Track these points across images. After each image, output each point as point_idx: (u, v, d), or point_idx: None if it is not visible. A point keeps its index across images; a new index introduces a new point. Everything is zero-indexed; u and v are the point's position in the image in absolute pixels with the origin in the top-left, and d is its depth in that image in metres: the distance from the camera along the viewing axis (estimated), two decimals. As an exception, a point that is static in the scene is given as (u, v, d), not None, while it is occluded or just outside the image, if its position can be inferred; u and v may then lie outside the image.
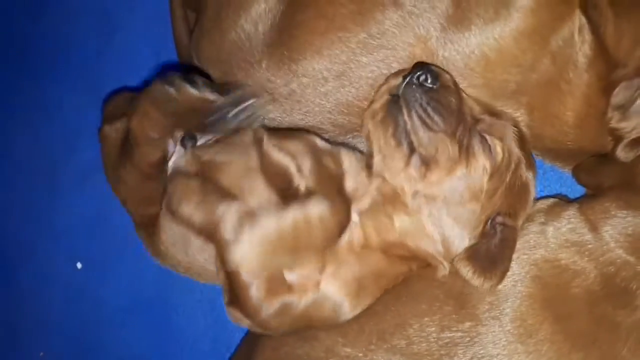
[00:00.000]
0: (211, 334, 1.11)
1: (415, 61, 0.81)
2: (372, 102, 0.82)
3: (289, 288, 0.73)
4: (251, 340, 0.90)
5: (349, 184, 0.80)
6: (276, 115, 0.89)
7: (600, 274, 0.75)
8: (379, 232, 0.78)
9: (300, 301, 0.73)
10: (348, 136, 0.90)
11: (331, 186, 0.76)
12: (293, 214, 0.70)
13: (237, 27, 0.88)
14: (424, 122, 0.75)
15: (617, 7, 0.75)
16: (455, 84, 0.80)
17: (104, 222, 1.22)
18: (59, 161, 1.31)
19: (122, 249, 1.19)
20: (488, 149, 0.78)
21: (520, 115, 0.84)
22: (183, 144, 0.89)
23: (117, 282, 1.21)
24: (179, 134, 0.84)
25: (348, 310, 0.77)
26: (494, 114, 0.81)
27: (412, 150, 0.76)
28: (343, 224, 0.76)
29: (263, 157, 0.78)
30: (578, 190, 0.90)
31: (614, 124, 0.79)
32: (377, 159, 0.79)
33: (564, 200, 0.86)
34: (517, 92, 0.82)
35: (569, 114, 0.82)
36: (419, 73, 0.76)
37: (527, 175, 0.80)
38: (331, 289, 0.75)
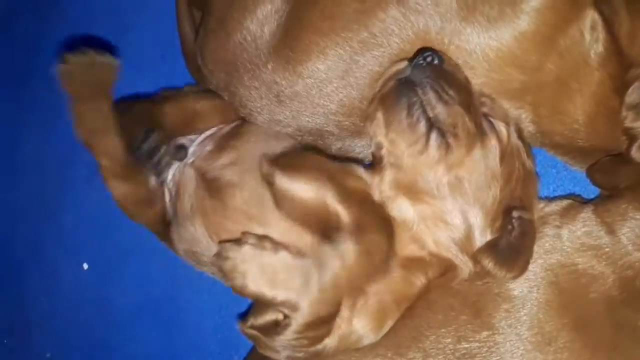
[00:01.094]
0: (219, 334, 1.12)
1: (394, 62, 0.80)
2: (378, 90, 0.79)
3: (327, 332, 0.72)
4: (260, 355, 0.89)
5: (376, 196, 0.77)
6: (282, 117, 0.89)
7: (618, 278, 0.74)
8: (400, 241, 0.75)
9: (335, 342, 0.73)
10: (353, 138, 0.89)
11: (367, 208, 0.73)
12: (354, 253, 0.68)
13: (243, 28, 0.88)
14: (439, 96, 0.73)
15: (632, 6, 0.73)
16: (458, 65, 0.79)
17: (111, 222, 1.21)
18: (66, 162, 1.31)
19: (129, 249, 1.19)
20: (495, 130, 0.77)
21: (524, 112, 0.83)
22: (176, 157, 0.89)
23: (125, 283, 1.21)
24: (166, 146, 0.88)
25: (372, 338, 0.76)
26: (492, 99, 0.81)
27: (430, 127, 0.73)
28: (392, 244, 0.73)
29: (280, 195, 0.74)
30: (592, 190, 0.89)
31: (628, 123, 0.77)
32: (389, 149, 0.76)
33: (578, 201, 0.84)
34: (521, 91, 0.81)
35: (578, 112, 0.81)
36: (425, 54, 0.75)
37: (529, 162, 0.80)
38: (360, 323, 0.74)
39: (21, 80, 1.40)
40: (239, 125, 0.93)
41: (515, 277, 0.73)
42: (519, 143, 0.80)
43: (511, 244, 0.74)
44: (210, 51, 0.93)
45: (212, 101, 0.94)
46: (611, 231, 0.76)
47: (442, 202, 0.74)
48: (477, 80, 0.80)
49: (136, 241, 1.13)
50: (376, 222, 0.72)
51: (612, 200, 0.79)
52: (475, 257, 0.75)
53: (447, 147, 0.73)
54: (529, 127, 0.84)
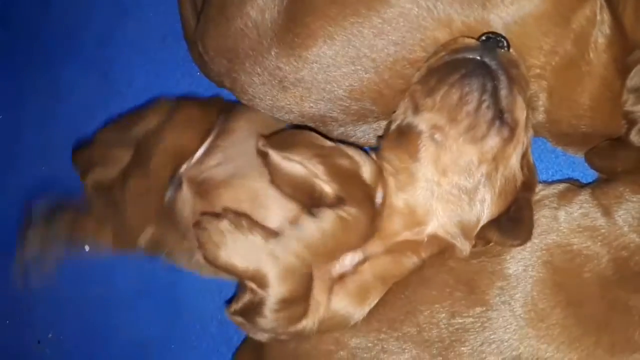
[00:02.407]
0: (219, 316, 1.13)
1: (436, 45, 0.79)
2: (440, 63, 0.76)
3: (304, 311, 0.72)
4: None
5: (365, 176, 0.76)
6: (285, 103, 0.89)
7: (613, 259, 0.74)
8: (391, 230, 0.76)
9: (314, 323, 0.73)
10: (356, 123, 0.89)
11: (354, 185, 0.73)
12: (331, 221, 0.69)
13: (243, 14, 0.87)
14: (511, 87, 0.73)
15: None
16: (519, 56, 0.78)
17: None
18: (69, 145, 1.32)
19: None
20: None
21: (539, 100, 0.83)
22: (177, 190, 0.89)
23: (127, 266, 1.22)
24: None
25: (357, 316, 0.76)
26: None
27: (495, 117, 0.72)
28: (373, 221, 0.73)
29: (273, 170, 0.75)
30: (590, 174, 0.90)
31: (628, 106, 0.78)
32: (438, 126, 0.73)
33: (576, 185, 0.85)
34: (539, 77, 0.81)
35: (585, 95, 0.81)
36: (498, 38, 0.74)
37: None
38: (340, 304, 0.74)
39: (24, 65, 1.41)
40: (225, 123, 0.92)
41: (520, 244, 0.74)
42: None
43: (511, 217, 0.75)
44: (211, 38, 0.92)
45: (193, 129, 0.93)
46: (607, 213, 0.76)
47: (472, 188, 0.74)
48: None
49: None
50: (359, 200, 0.72)
51: (609, 184, 0.80)
52: (478, 234, 0.76)
53: (503, 140, 0.73)
54: (540, 117, 0.84)
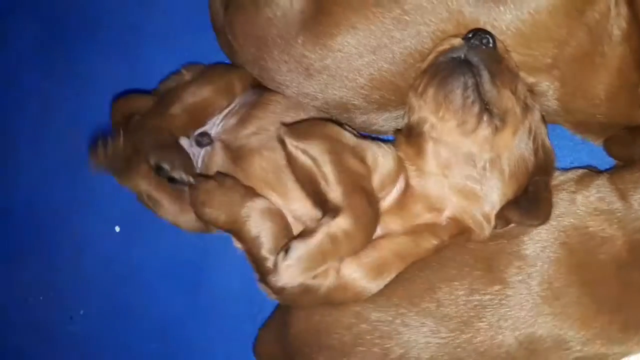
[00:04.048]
0: (244, 296, 1.15)
1: (448, 37, 0.82)
2: (428, 64, 0.81)
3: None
4: (282, 311, 0.94)
5: (375, 180, 0.80)
6: (310, 90, 0.91)
7: (628, 241, 0.77)
8: (412, 212, 0.80)
9: (322, 285, 0.76)
10: (377, 112, 0.91)
11: (357, 194, 0.76)
12: (321, 235, 0.73)
13: (272, 3, 0.89)
14: (494, 80, 0.76)
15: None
16: (508, 50, 0.81)
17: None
18: (97, 126, 1.33)
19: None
20: (532, 111, 0.81)
21: (552, 89, 0.85)
22: (201, 145, 0.95)
23: (154, 246, 1.25)
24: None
25: (372, 289, 0.80)
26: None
27: (482, 109, 0.77)
28: (370, 233, 0.77)
29: (289, 158, 0.81)
30: (608, 162, 0.91)
31: (645, 97, 0.80)
32: (434, 124, 0.78)
33: (594, 171, 0.87)
34: (551, 66, 0.83)
35: (600, 87, 0.83)
36: (482, 35, 0.77)
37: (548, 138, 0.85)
38: (353, 274, 0.78)
39: (53, 51, 1.42)
40: (262, 96, 0.96)
41: (539, 224, 0.78)
42: (543, 121, 0.83)
43: (530, 199, 0.78)
44: (240, 26, 0.94)
45: (213, 84, 0.97)
46: (623, 197, 0.79)
47: (479, 177, 0.78)
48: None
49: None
50: (358, 212, 0.75)
51: (626, 169, 0.82)
52: (498, 215, 0.79)
53: (496, 129, 0.77)
54: (554, 105, 0.86)
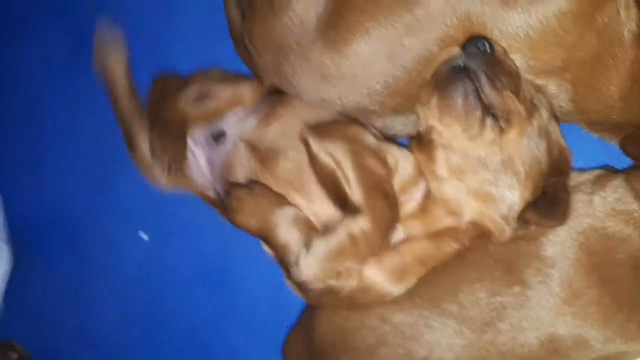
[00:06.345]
0: (271, 301, 1.17)
1: (458, 43, 0.83)
2: (432, 76, 0.83)
3: (336, 274, 0.79)
4: (308, 314, 0.97)
5: (396, 183, 0.82)
6: (327, 97, 0.92)
7: None
8: (433, 216, 0.82)
9: (345, 286, 0.79)
10: (394, 116, 0.92)
11: (377, 196, 0.79)
12: (341, 233, 0.76)
13: (290, 10, 0.90)
14: (493, 84, 0.78)
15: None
16: (506, 52, 0.82)
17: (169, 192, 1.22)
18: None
19: (189, 219, 1.24)
20: (540, 110, 0.82)
21: (563, 90, 0.86)
22: (218, 142, 0.97)
23: (183, 253, 1.28)
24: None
25: (393, 293, 0.82)
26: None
27: (485, 113, 0.78)
28: (387, 235, 0.80)
29: (312, 158, 0.83)
30: (625, 162, 0.92)
31: (660, 98, 0.80)
32: (442, 132, 0.80)
33: (611, 171, 0.88)
34: (562, 69, 0.83)
35: (613, 88, 0.84)
36: (478, 42, 0.79)
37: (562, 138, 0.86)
38: (375, 277, 0.81)
39: (77, 49, 1.42)
40: (282, 97, 0.97)
41: (558, 225, 0.79)
42: (555, 120, 0.84)
43: (549, 200, 0.79)
44: (258, 32, 0.95)
45: (233, 84, 1.01)
46: (639, 197, 0.80)
47: (494, 179, 0.79)
48: (521, 62, 0.83)
49: (195, 211, 1.18)
50: (378, 214, 0.77)
51: (642, 169, 0.83)
52: (517, 218, 0.80)
53: (501, 130, 0.78)
54: (567, 105, 0.87)
